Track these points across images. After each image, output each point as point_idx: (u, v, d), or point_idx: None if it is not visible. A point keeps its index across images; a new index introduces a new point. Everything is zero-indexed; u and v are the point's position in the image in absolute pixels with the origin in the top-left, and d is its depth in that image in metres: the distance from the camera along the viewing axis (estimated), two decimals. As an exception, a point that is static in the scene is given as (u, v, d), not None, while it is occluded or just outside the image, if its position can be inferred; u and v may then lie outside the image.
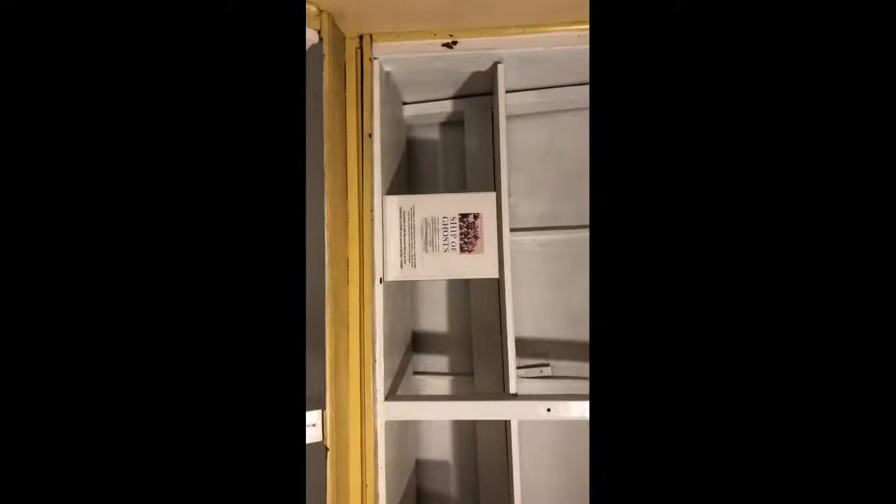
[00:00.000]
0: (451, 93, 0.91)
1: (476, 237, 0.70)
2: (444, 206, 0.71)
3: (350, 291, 0.66)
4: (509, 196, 0.74)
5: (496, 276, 0.70)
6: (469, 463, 0.93)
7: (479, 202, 0.71)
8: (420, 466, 0.95)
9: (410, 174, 0.99)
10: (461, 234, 0.70)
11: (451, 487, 0.94)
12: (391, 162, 0.80)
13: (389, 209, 0.71)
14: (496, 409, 0.67)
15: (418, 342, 0.97)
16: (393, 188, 0.77)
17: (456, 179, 0.98)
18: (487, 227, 0.70)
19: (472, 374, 0.93)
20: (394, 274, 0.70)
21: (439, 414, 0.66)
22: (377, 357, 0.67)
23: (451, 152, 0.99)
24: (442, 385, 0.94)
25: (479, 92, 0.91)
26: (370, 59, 0.70)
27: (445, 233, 0.70)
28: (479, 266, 0.70)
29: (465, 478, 0.94)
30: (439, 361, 0.96)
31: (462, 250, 0.70)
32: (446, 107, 0.93)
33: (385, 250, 0.70)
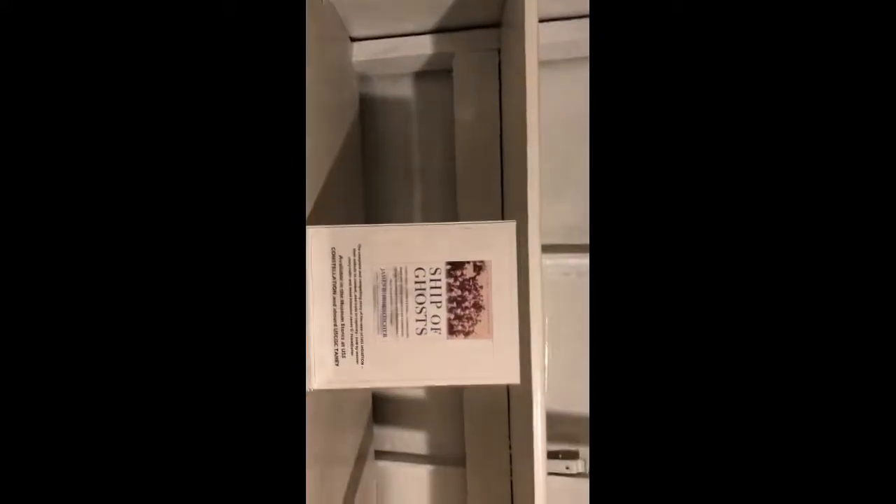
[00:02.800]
0: (430, 24, 0.55)
1: (478, 306, 0.37)
2: (419, 247, 0.37)
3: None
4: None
5: (516, 380, 0.37)
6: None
7: (485, 240, 0.37)
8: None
9: (366, 168, 0.63)
10: (451, 300, 0.37)
11: None
12: (319, 155, 0.45)
13: (315, 253, 0.37)
14: None
15: (381, 410, 0.66)
16: (321, 210, 0.43)
17: (442, 176, 0.63)
18: (501, 288, 0.37)
19: (462, 462, 0.62)
20: (323, 377, 0.37)
21: None
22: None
23: (432, 122, 0.63)
24: (418, 478, 0.64)
25: (479, 23, 0.55)
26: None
27: (421, 298, 0.37)
28: (485, 362, 0.37)
29: None
30: (414, 439, 0.66)
31: (453, 331, 0.37)
32: (424, 45, 0.57)
33: (306, 333, 0.37)
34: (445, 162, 0.62)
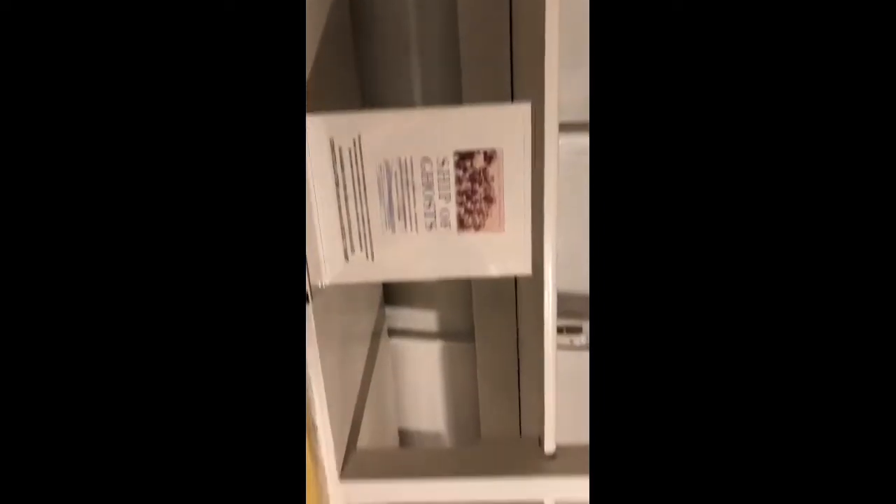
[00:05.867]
0: None
1: (489, 199, 0.35)
2: (424, 136, 0.34)
3: (247, 325, 0.34)
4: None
5: (528, 272, 0.37)
6: None
7: (496, 125, 0.34)
8: None
9: (357, 43, 0.56)
10: (460, 193, 0.35)
11: None
12: (306, 31, 0.40)
13: (312, 145, 0.35)
14: (522, 487, 0.41)
15: (392, 291, 0.67)
16: (313, 95, 0.39)
17: (443, 48, 0.57)
18: (513, 179, 0.35)
19: (471, 338, 0.65)
20: (334, 271, 0.37)
21: (429, 494, 0.41)
22: (318, 421, 0.38)
23: (431, -19, 0.55)
24: (430, 353, 0.68)
25: None
26: None
27: (429, 191, 0.35)
28: (496, 255, 0.37)
29: None
30: (424, 317, 0.68)
31: (463, 225, 0.36)
32: None
33: (310, 229, 0.36)
34: (446, 32, 0.56)
